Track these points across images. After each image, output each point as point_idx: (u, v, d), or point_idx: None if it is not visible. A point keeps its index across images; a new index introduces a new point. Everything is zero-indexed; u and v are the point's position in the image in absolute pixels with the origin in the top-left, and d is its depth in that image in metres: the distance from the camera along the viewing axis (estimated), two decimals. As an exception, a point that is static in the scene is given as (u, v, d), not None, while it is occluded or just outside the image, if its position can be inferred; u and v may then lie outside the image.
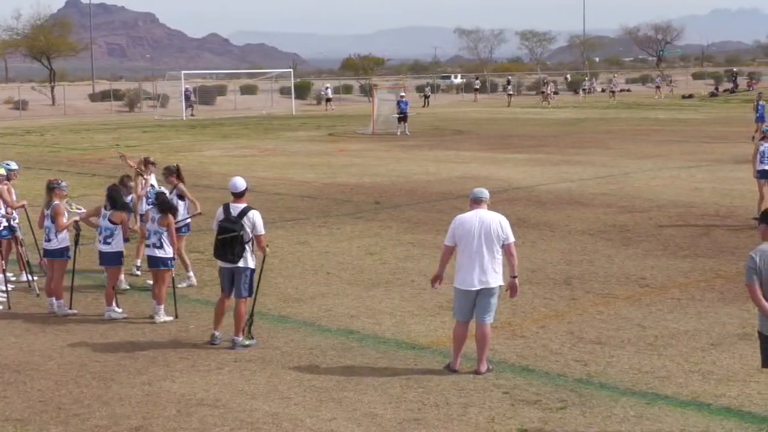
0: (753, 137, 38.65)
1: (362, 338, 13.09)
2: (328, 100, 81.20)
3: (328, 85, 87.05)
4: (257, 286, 13.09)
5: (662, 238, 19.89)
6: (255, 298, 13.06)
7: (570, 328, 13.37)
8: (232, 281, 12.78)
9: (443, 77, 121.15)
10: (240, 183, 12.93)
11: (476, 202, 11.62)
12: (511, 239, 11.47)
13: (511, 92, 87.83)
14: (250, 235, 12.67)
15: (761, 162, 21.44)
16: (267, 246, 13.07)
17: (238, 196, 12.86)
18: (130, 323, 14.06)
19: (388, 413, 10.24)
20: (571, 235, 20.29)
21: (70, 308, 14.65)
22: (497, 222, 11.43)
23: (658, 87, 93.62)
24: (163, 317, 14.08)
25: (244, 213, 12.65)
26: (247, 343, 12.71)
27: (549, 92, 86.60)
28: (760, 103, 41.93)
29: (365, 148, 42.63)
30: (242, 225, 12.57)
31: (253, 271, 12.80)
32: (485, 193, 11.70)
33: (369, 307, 14.75)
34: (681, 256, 18.20)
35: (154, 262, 14.21)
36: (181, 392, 11.02)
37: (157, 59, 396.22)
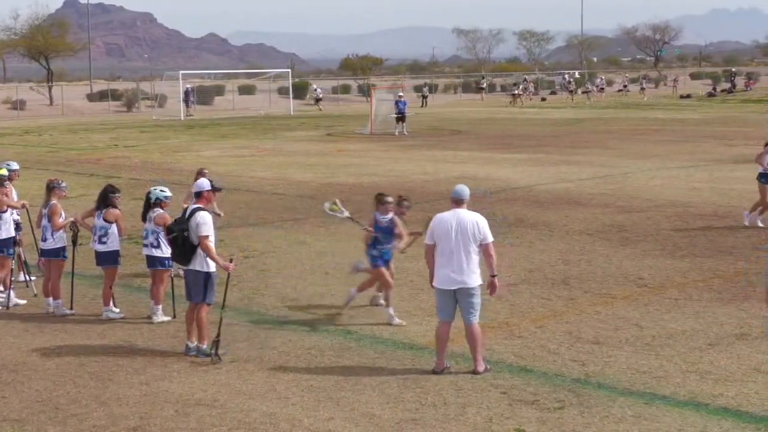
0: None
1: (360, 338, 13.10)
2: (318, 100, 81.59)
3: (316, 85, 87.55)
4: (224, 300, 12.70)
5: (660, 238, 19.89)
6: (221, 317, 12.55)
7: (568, 328, 13.38)
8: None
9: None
10: (200, 183, 12.95)
11: (455, 201, 11.75)
12: (489, 239, 11.49)
13: (516, 92, 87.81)
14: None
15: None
16: (230, 260, 12.67)
17: (196, 196, 12.79)
18: (128, 323, 14.05)
19: (385, 413, 10.25)
20: (569, 235, 20.29)
21: (70, 308, 14.65)
22: (474, 222, 11.48)
23: (642, 89, 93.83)
24: (160, 317, 14.08)
25: (192, 214, 12.48)
26: (212, 352, 12.25)
27: (523, 92, 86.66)
28: None
29: (363, 148, 42.64)
30: (188, 226, 12.37)
31: (208, 275, 12.44)
32: (464, 194, 11.74)
33: (367, 307, 14.74)
34: (679, 256, 18.21)
35: (152, 262, 14.20)
36: (179, 392, 11.02)
37: (156, 59, 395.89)
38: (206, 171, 17.77)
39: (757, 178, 21.50)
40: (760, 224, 20.99)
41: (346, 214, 14.73)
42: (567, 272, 16.93)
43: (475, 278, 11.46)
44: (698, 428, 9.73)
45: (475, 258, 11.46)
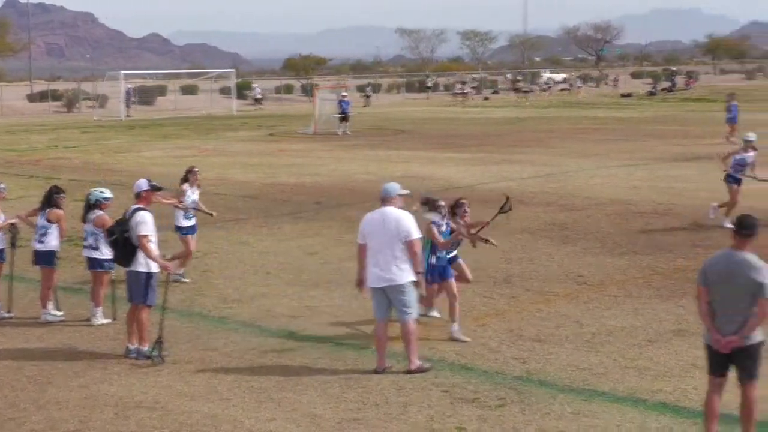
0: (726, 138, 38.80)
1: (302, 338, 13.07)
2: (257, 100, 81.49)
3: (256, 85, 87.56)
4: (164, 301, 12.58)
5: (601, 236, 20.06)
6: (162, 316, 12.48)
7: (509, 326, 13.45)
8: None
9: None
10: (138, 183, 12.84)
11: (381, 199, 11.82)
12: (413, 236, 11.49)
13: (457, 91, 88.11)
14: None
15: (737, 170, 21.19)
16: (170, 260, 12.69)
17: (136, 196, 12.71)
18: (68, 326, 13.91)
19: (327, 413, 10.24)
20: (511, 234, 20.37)
21: (8, 311, 14.47)
22: (397, 219, 11.52)
23: (579, 87, 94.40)
24: (100, 320, 13.95)
25: (132, 214, 12.42)
26: (154, 354, 12.22)
27: (466, 91, 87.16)
28: (732, 104, 41.18)
29: (306, 148, 42.56)
30: (129, 227, 12.31)
31: (149, 276, 12.36)
32: (390, 191, 11.78)
33: (309, 307, 14.74)
34: (619, 253, 18.37)
35: (92, 264, 14.07)
36: (119, 395, 10.94)
37: (98, 59, 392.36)
38: (196, 169, 17.58)
39: (724, 180, 21.48)
40: (728, 225, 20.76)
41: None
42: (509, 270, 17.03)
43: (403, 275, 11.46)
44: (637, 424, 9.84)
45: (402, 255, 11.47)
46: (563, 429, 9.78)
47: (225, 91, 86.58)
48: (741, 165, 21.26)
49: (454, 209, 13.61)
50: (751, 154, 21.37)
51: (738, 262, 8.90)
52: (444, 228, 13.19)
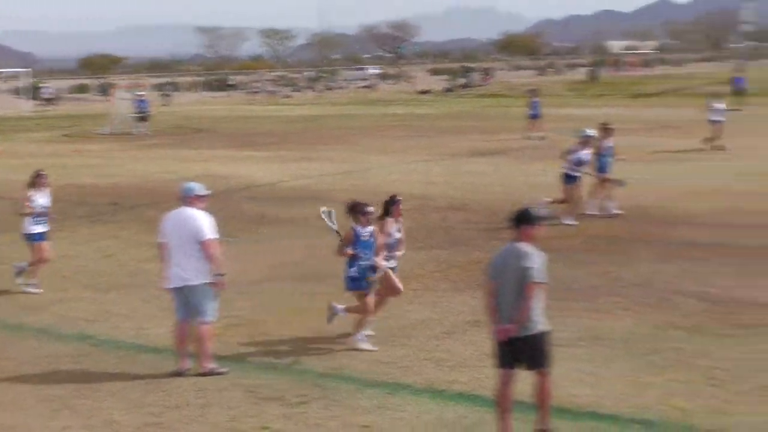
0: (529, 137, 39.47)
1: (99, 343, 12.82)
2: (48, 100, 79.32)
3: (47, 84, 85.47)
4: None
5: (400, 232, 20.31)
6: None
7: (311, 324, 13.49)
8: None
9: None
10: None
11: (180, 199, 11.76)
12: (206, 236, 11.40)
13: (264, 89, 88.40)
14: None
15: (573, 168, 21.02)
16: None
17: None
18: None
19: (126, 419, 10.08)
20: (312, 232, 20.39)
21: None
22: (193, 219, 11.48)
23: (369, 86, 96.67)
24: None
25: None
26: None
27: (270, 89, 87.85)
28: (534, 100, 41.73)
29: (103, 148, 41.64)
30: None
31: None
32: (189, 191, 11.75)
33: (106, 310, 14.47)
34: (417, 248, 18.65)
35: None
36: None
37: None
38: (43, 172, 16.77)
39: (561, 177, 21.21)
40: (571, 222, 20.45)
41: (335, 228, 13.32)
42: (310, 268, 17.07)
43: (199, 276, 11.39)
44: (435, 414, 10.06)
45: (199, 255, 11.39)
46: (368, 423, 9.91)
47: (17, 92, 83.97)
48: (578, 164, 21.09)
49: (389, 207, 13.06)
50: (588, 151, 21.19)
51: (511, 253, 9.18)
52: (366, 237, 12.51)
